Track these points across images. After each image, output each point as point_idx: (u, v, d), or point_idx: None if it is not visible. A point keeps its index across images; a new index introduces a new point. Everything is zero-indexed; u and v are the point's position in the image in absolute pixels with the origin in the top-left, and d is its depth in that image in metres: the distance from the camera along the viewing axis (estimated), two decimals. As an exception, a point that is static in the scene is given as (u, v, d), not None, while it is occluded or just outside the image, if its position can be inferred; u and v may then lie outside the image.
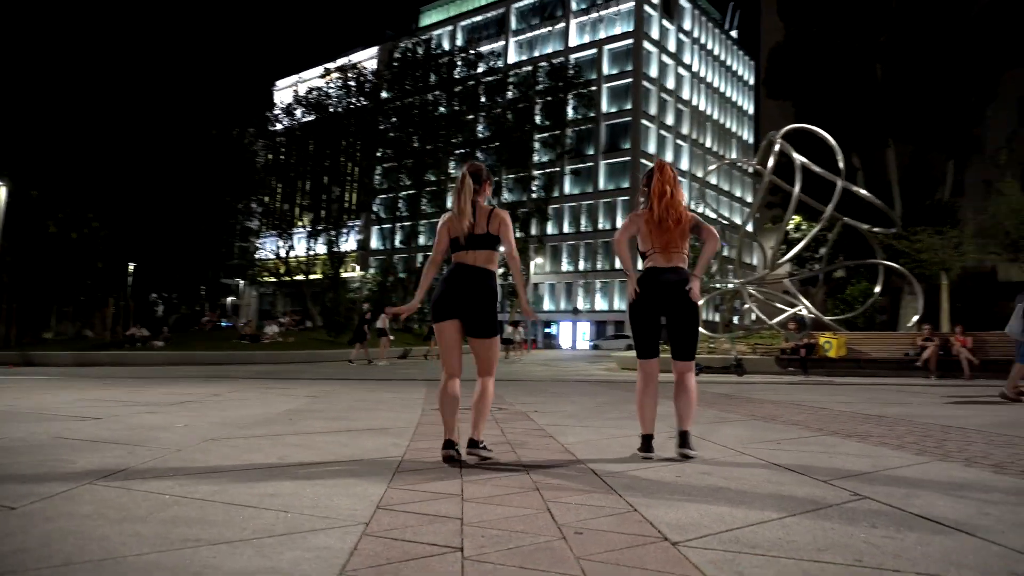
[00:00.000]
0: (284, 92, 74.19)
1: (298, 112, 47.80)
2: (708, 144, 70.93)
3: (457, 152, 45.82)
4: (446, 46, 53.62)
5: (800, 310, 17.10)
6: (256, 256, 50.41)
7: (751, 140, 77.68)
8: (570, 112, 45.82)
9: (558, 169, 49.65)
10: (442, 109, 45.16)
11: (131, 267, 38.06)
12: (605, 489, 2.80)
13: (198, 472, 3.16)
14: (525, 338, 23.78)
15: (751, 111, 79.37)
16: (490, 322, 3.57)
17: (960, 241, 19.30)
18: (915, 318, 16.56)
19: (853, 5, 29.01)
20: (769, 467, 3.34)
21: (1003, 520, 2.30)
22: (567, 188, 60.67)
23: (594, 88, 52.72)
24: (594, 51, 62.32)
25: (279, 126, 49.64)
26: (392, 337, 20.94)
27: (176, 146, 43.19)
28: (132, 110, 44.77)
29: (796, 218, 27.15)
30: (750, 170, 50.51)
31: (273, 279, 47.23)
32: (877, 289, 17.96)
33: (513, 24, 67.06)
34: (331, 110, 45.63)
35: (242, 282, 78.72)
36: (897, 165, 29.06)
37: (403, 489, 2.78)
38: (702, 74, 70.63)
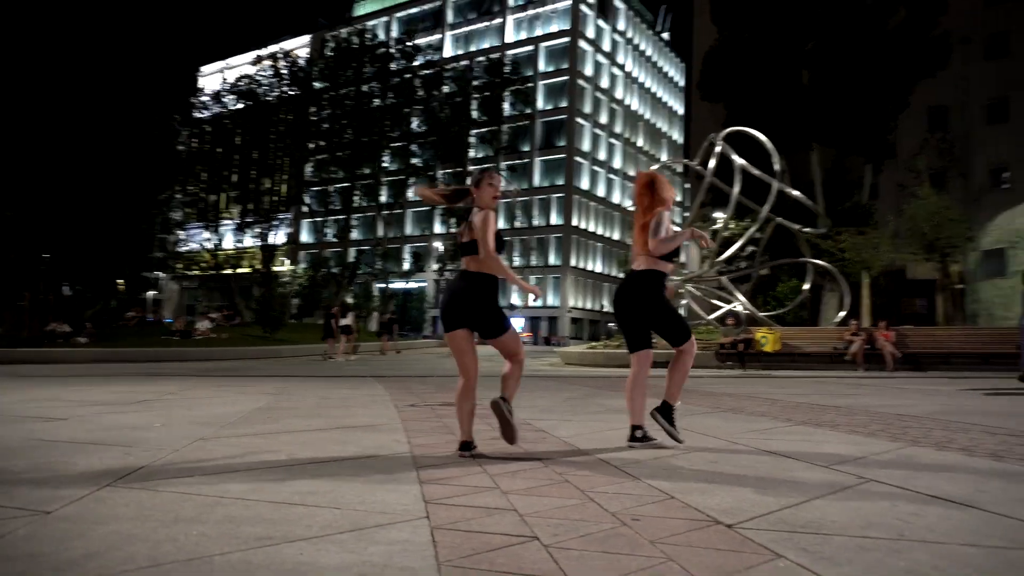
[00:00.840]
0: (210, 78, 71.48)
1: (226, 99, 46.19)
2: (640, 144, 72.59)
3: (393, 145, 45.29)
4: (381, 37, 52.85)
5: (736, 306, 17.82)
6: (181, 249, 48.45)
7: (681, 141, 79.94)
8: (507, 108, 45.97)
9: (494, 165, 49.75)
10: (377, 101, 44.50)
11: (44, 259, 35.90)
12: (629, 478, 2.93)
13: (215, 472, 3.11)
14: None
15: (681, 112, 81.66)
16: (494, 322, 3.65)
17: (880, 241, 20.51)
18: (841, 314, 17.52)
19: (782, 13, 30.25)
20: (768, 454, 3.55)
21: (1000, 497, 2.56)
22: (503, 184, 60.87)
23: (530, 85, 53.05)
24: (531, 48, 62.74)
25: (205, 113, 47.81)
26: (356, 334, 20.87)
27: (93, 131, 40.93)
28: (45, 92, 42.18)
29: (723, 216, 28.22)
30: (679, 169, 52.01)
31: (198, 272, 45.47)
32: (806, 286, 18.90)
33: (450, 18, 66.74)
34: (261, 99, 44.29)
35: (163, 276, 75.55)
36: (820, 168, 30.53)
37: (437, 484, 2.83)
38: (635, 75, 72.18)
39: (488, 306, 3.63)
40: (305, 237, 64.93)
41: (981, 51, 37.71)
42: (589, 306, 63.19)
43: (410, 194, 47.43)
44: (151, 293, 68.37)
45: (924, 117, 37.39)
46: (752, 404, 6.55)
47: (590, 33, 63.65)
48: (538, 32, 63.09)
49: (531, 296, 3.95)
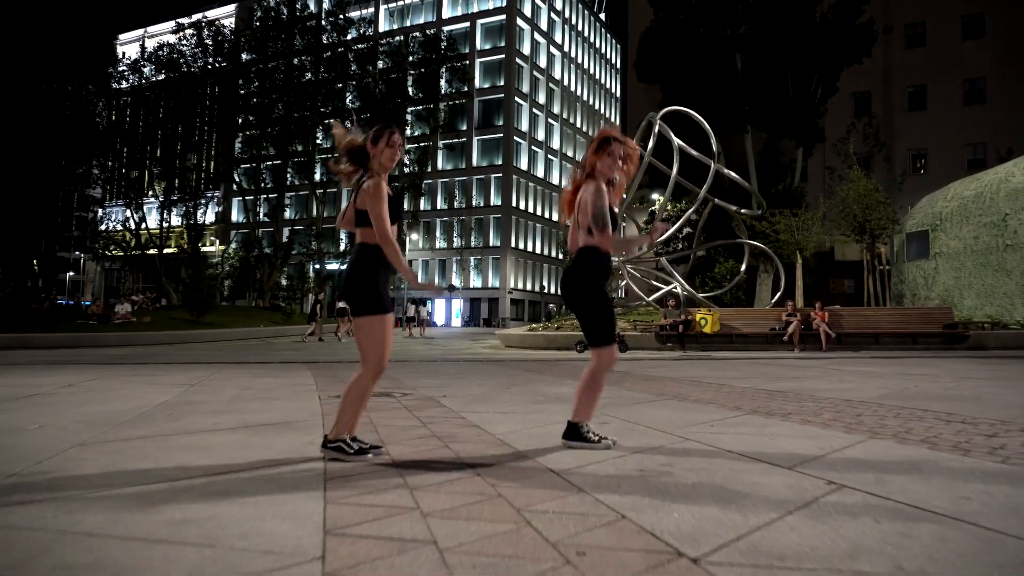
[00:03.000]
0: (129, 46, 67.57)
1: (146, 70, 43.61)
2: (578, 124, 72.55)
3: (326, 121, 43.74)
4: (312, 8, 50.87)
5: (674, 287, 17.80)
6: (101, 227, 45.78)
7: (618, 121, 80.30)
8: (443, 85, 44.99)
9: (431, 144, 48.78)
10: (309, 76, 42.79)
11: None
12: (573, 490, 2.54)
13: (76, 491, 2.56)
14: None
15: (618, 93, 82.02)
16: (356, 302, 3.15)
17: (812, 223, 20.86)
18: (778, 294, 17.71)
19: (716, -4, 30.35)
20: (723, 455, 3.22)
21: (988, 506, 2.27)
22: (440, 163, 59.94)
23: (467, 62, 52.10)
24: (467, 24, 61.60)
25: (124, 84, 45.07)
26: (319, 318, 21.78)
27: (-1, 101, 37.93)
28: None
29: (660, 198, 28.37)
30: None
31: (121, 253, 43.05)
32: (743, 267, 19.05)
33: (384, -9, 64.84)
34: (185, 69, 41.98)
35: (83, 256, 71.69)
36: (754, 151, 30.97)
37: (345, 504, 2.37)
38: (572, 54, 71.92)
39: (358, 281, 3.13)
40: (236, 216, 62.47)
41: (902, 40, 38.99)
42: (529, 287, 63.11)
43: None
44: (69, 274, 64.64)
45: (850, 103, 38.52)
46: (697, 390, 6.30)
47: (527, 11, 62.93)
48: (475, 8, 61.98)
49: (444, 283, 3.46)
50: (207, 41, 41.68)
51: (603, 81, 79.56)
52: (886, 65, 38.67)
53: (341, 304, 20.98)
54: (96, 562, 1.80)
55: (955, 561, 1.76)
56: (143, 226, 42.65)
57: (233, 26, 49.06)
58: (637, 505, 2.31)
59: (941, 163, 36.22)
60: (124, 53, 50.79)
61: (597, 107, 77.39)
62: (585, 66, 74.75)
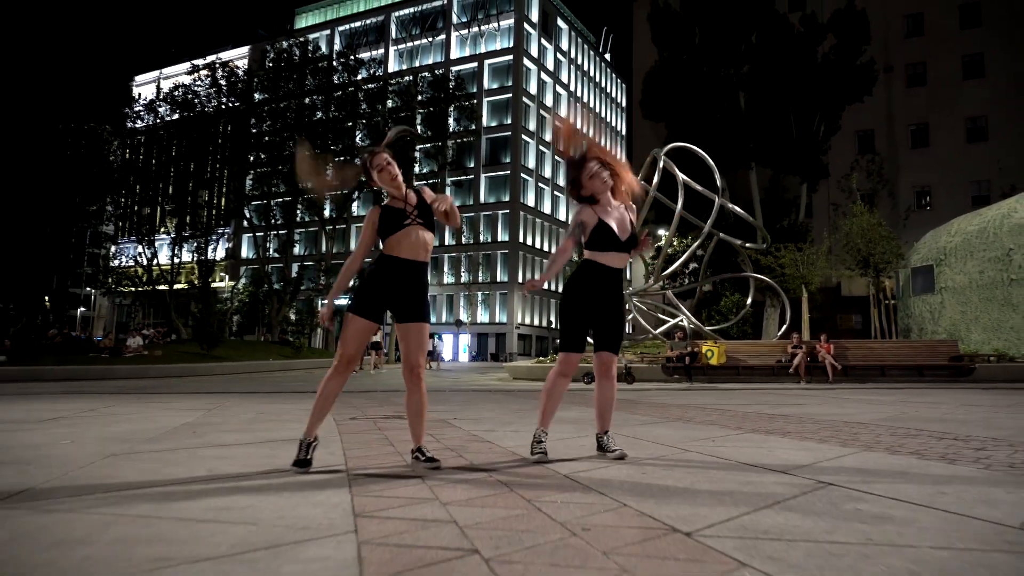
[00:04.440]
0: (144, 87, 69.28)
1: (161, 110, 44.72)
2: (584, 162, 73.46)
3: (336, 160, 44.53)
4: (324, 49, 52.23)
5: (681, 320, 17.97)
6: (113, 263, 46.41)
7: (623, 158, 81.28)
8: (453, 124, 45.89)
9: (439, 180, 49.50)
10: (320, 115, 43.78)
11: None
12: (580, 488, 2.74)
13: (120, 489, 2.78)
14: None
15: (624, 131, 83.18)
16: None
17: (817, 258, 21.08)
18: (783, 327, 17.85)
19: (719, 37, 31.15)
20: (722, 462, 3.41)
21: (961, 498, 2.46)
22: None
23: (475, 101, 53.16)
24: (475, 65, 62.96)
25: (139, 124, 46.18)
26: (385, 350, 22.49)
27: (16, 139, 38.91)
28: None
29: (666, 233, 28.73)
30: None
31: (132, 288, 43.57)
32: (749, 301, 19.22)
33: (393, 33, 66.47)
34: (198, 109, 43.03)
35: (93, 292, 72.33)
36: (759, 187, 31.37)
37: (370, 496, 2.58)
38: (578, 93, 73.23)
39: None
40: (246, 252, 63.20)
41: (903, 79, 39.68)
42: (536, 322, 63.25)
43: (355, 209, 46.80)
44: (80, 310, 65.25)
45: (854, 140, 39.05)
46: (700, 414, 6.47)
47: (534, 51, 64.33)
48: (482, 49, 63.42)
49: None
50: (221, 82, 42.79)
51: (608, 119, 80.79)
52: (888, 103, 39.29)
53: (375, 338, 21.97)
54: (154, 535, 2.02)
55: (920, 535, 1.96)
56: (155, 262, 43.26)
57: (246, 66, 50.35)
58: (637, 498, 2.51)
59: (945, 199, 36.52)
60: (140, 94, 52.15)
61: (603, 144, 78.40)
62: (591, 104, 76.02)
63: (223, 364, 22.39)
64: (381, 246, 3.47)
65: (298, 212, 45.18)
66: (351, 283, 3.61)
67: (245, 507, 2.40)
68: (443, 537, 1.97)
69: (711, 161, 17.53)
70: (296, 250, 52.09)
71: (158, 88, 50.95)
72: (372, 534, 2.00)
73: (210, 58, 46.70)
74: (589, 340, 3.65)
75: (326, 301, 3.55)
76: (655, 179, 17.55)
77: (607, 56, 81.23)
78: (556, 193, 67.77)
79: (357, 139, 44.86)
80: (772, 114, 30.38)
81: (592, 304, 3.55)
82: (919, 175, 38.13)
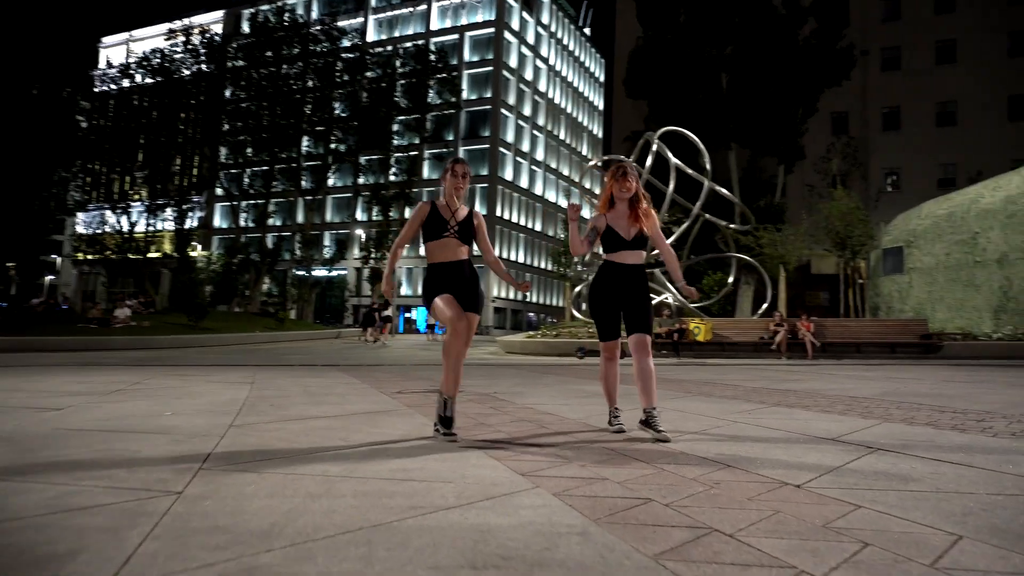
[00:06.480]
0: (113, 50, 67.37)
1: (132, 74, 43.82)
2: (562, 136, 73.73)
3: (317, 129, 44.23)
4: (301, 13, 51.36)
5: (667, 298, 18.71)
6: (84, 231, 45.69)
7: (600, 135, 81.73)
8: (432, 96, 45.76)
9: (417, 153, 49.46)
10: (297, 83, 43.30)
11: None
12: (679, 453, 3.32)
13: (293, 456, 3.24)
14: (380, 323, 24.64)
15: (601, 107, 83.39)
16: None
17: (794, 238, 21.99)
18: (764, 306, 18.71)
19: (704, 17, 31.60)
20: (773, 431, 4.03)
21: (990, 460, 3.10)
22: (427, 173, 60.57)
23: (455, 74, 52.93)
24: (455, 36, 62.50)
25: (108, 88, 45.18)
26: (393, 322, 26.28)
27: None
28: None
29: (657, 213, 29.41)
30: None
31: (108, 255, 42.99)
32: (731, 279, 20.05)
33: (373, 1, 65.49)
34: (171, 74, 42.25)
35: (58, 259, 70.80)
36: (737, 167, 32.14)
37: (513, 460, 3.11)
38: (558, 68, 73.19)
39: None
40: (218, 222, 62.48)
41: (878, 63, 40.70)
42: (512, 296, 63.89)
43: (331, 180, 46.52)
44: (49, 278, 64.06)
45: (828, 122, 40.01)
46: (717, 389, 7.13)
47: (515, 24, 64.04)
48: (463, 21, 62.93)
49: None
50: (195, 44, 42.02)
51: (587, 95, 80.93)
52: (862, 86, 40.28)
53: (388, 312, 25.52)
54: (380, 491, 2.53)
55: (973, 485, 2.59)
56: (125, 229, 42.73)
57: (220, 32, 49.37)
58: (731, 461, 3.10)
59: (913, 181, 37.82)
60: (108, 57, 50.86)
61: (580, 120, 78.69)
62: (569, 79, 76.07)
63: (212, 336, 22.56)
64: (423, 250, 4.02)
65: (275, 182, 44.79)
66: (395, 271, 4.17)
67: (419, 468, 2.92)
68: (612, 489, 2.53)
69: (702, 146, 18.15)
70: (272, 220, 51.72)
71: (127, 51, 49.64)
72: (555, 489, 2.55)
73: (183, 21, 45.78)
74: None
75: (383, 283, 4.14)
76: (648, 162, 18.11)
77: (587, 31, 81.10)
78: (534, 168, 68.04)
79: (336, 109, 44.51)
80: (753, 95, 31.07)
81: (614, 297, 4.10)
82: (889, 157, 39.35)
